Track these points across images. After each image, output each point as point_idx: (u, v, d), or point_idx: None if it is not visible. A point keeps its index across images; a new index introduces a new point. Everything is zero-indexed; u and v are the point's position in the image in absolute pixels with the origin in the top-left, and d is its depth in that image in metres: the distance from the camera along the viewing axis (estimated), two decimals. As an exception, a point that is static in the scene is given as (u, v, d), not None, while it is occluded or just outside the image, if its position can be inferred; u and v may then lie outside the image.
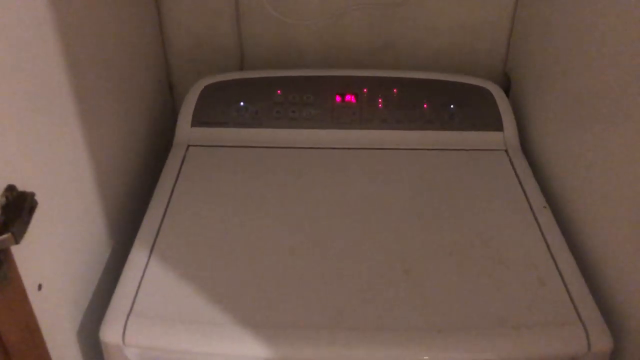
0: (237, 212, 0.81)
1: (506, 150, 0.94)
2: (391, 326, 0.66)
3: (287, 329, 0.66)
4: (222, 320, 0.66)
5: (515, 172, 0.90)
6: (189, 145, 0.94)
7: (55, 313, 0.65)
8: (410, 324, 0.66)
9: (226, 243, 0.76)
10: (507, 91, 1.09)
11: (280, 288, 0.70)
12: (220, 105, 0.97)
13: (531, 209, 0.82)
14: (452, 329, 0.66)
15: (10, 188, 0.54)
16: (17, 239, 0.52)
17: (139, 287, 0.69)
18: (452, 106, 0.97)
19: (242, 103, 0.97)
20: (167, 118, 1.11)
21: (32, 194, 0.56)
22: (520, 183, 0.87)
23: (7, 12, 0.55)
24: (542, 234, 0.78)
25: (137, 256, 0.74)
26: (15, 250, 0.54)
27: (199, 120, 0.96)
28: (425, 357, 0.64)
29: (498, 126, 0.96)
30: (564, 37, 0.87)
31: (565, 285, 0.71)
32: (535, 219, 0.81)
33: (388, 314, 0.67)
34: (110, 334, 0.65)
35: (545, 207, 0.83)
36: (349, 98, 0.98)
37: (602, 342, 0.65)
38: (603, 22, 0.76)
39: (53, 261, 0.65)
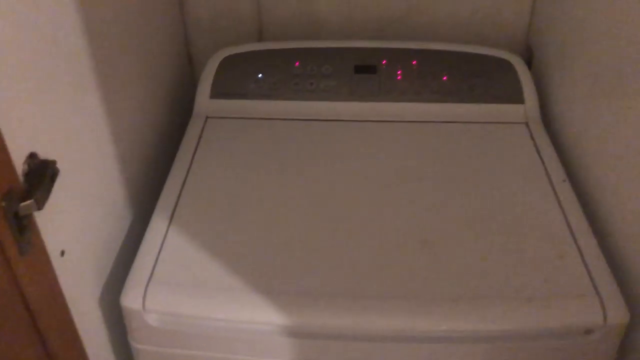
0: (255, 182, 0.82)
1: (527, 123, 0.93)
2: (408, 295, 0.66)
3: (304, 296, 0.66)
4: (240, 287, 0.67)
5: (536, 145, 0.89)
6: (207, 117, 0.95)
7: (78, 279, 0.67)
8: (427, 293, 0.67)
9: (244, 212, 0.77)
10: (529, 63, 1.07)
11: (298, 257, 0.71)
12: (239, 77, 0.97)
13: (550, 182, 0.82)
14: (468, 298, 0.66)
15: (32, 156, 0.55)
16: (39, 205, 0.53)
17: (159, 254, 0.71)
18: (472, 78, 0.96)
19: (260, 75, 0.97)
20: (186, 89, 1.11)
21: (54, 162, 0.57)
22: (540, 156, 0.86)
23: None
24: (561, 207, 0.78)
25: (157, 224, 0.75)
26: (38, 216, 0.55)
27: (217, 92, 0.96)
28: (443, 327, 0.65)
29: (519, 99, 0.95)
30: (587, 8, 0.85)
31: (583, 258, 0.71)
32: (555, 192, 0.80)
33: (405, 284, 0.68)
34: (131, 299, 0.67)
35: (564, 180, 0.82)
36: (368, 70, 0.98)
37: (618, 314, 0.65)
38: (630, -10, 0.74)
39: (75, 228, 0.66)
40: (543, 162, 0.85)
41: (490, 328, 0.65)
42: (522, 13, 1.08)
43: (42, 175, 0.55)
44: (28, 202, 0.52)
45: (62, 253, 0.62)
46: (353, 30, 1.11)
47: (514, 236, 0.74)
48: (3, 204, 0.49)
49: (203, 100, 0.97)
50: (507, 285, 0.67)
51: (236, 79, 0.97)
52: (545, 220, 0.76)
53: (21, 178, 0.53)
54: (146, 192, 0.88)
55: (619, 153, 0.75)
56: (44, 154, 0.57)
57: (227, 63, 0.99)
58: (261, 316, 0.65)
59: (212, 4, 1.09)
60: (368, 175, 0.83)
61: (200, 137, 0.90)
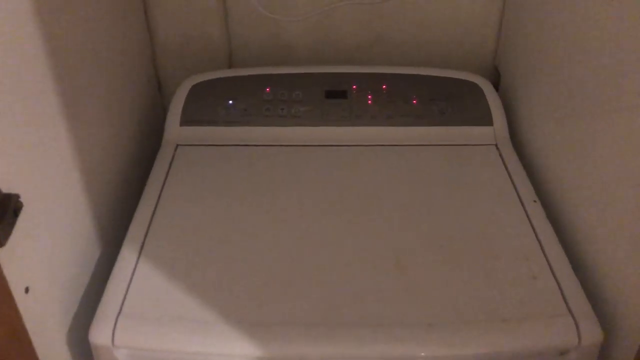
0: (227, 210, 0.81)
1: (496, 145, 0.94)
2: (384, 321, 0.66)
3: (278, 326, 0.65)
4: (212, 319, 0.66)
5: (506, 166, 0.90)
6: (177, 145, 0.94)
7: (43, 316, 0.65)
8: (403, 318, 0.66)
9: (216, 242, 0.76)
10: (496, 85, 1.09)
11: (271, 285, 0.70)
12: (209, 104, 0.97)
13: (522, 202, 0.83)
14: (443, 322, 0.66)
15: (-6, 190, 0.54)
16: (1, 242, 0.51)
17: (128, 287, 0.69)
18: (441, 101, 0.97)
19: (230, 101, 0.97)
20: (156, 117, 1.10)
21: (17, 196, 0.56)
22: (510, 177, 0.87)
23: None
24: (533, 227, 0.78)
25: (126, 256, 0.73)
26: (0, 252, 0.53)
27: (187, 119, 0.96)
28: (421, 353, 0.64)
29: (488, 121, 0.96)
30: (553, 30, 0.87)
31: (556, 279, 0.71)
32: (526, 212, 0.81)
33: (380, 309, 0.67)
34: (99, 335, 0.65)
35: (535, 201, 0.83)
36: (339, 95, 0.98)
37: (592, 334, 0.65)
38: (592, 14, 0.76)
39: (40, 263, 0.64)
40: (513, 183, 0.86)
41: (466, 352, 0.65)
42: (488, 37, 1.11)
43: (4, 209, 0.54)
44: (-11, 238, 0.50)
45: (27, 290, 0.60)
46: (323, 56, 1.12)
47: (487, 257, 0.74)
48: (-38, 241, 0.47)
49: (173, 127, 0.96)
50: (481, 307, 0.67)
51: (206, 105, 0.97)
52: (518, 240, 0.76)
53: (-18, 214, 0.51)
54: (115, 222, 0.86)
55: (587, 172, 0.76)
56: (6, 187, 0.55)
57: (197, 90, 0.98)
58: (234, 348, 0.64)
59: (182, 29, 1.09)
60: (340, 200, 0.83)
61: (170, 165, 0.89)
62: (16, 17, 0.60)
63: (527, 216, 0.80)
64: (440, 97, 0.98)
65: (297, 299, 0.68)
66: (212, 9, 1.06)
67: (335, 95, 0.98)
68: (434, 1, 1.07)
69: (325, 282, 0.70)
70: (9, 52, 0.58)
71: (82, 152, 0.75)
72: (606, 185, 0.72)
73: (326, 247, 0.75)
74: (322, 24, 1.08)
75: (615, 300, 0.69)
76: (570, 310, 0.67)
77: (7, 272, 0.55)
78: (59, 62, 0.69)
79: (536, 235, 0.77)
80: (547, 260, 0.74)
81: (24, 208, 0.57)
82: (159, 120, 1.03)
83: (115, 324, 0.65)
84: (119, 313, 0.66)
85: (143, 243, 0.75)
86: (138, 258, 0.73)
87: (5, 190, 0.55)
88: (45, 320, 0.65)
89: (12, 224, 0.54)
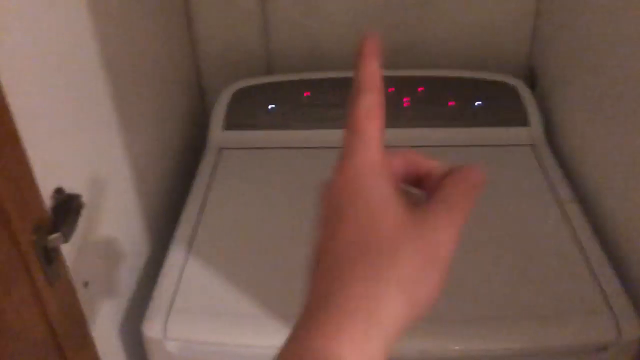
0: (269, 210, 0.84)
1: (532, 145, 0.95)
2: (422, 318, 0.67)
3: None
4: (258, 314, 0.68)
5: (542, 167, 0.90)
6: (221, 148, 0.97)
7: (100, 309, 0.69)
8: (441, 315, 0.68)
9: (260, 241, 0.79)
10: (532, 86, 1.09)
11: (313, 283, 0.72)
12: (250, 109, 1.00)
13: (559, 203, 0.83)
14: (482, 318, 0.67)
15: (59, 190, 0.58)
16: (66, 238, 0.55)
17: (178, 283, 0.72)
18: (477, 103, 0.98)
19: (271, 106, 1.00)
20: (199, 122, 1.14)
21: (79, 196, 0.60)
22: (546, 178, 0.88)
23: (54, 26, 0.59)
24: (572, 227, 0.79)
25: (176, 254, 0.77)
26: (64, 248, 0.57)
27: (230, 124, 0.99)
28: (456, 347, 0.66)
29: (524, 122, 0.97)
30: (589, 30, 0.88)
31: (595, 276, 0.72)
32: (563, 212, 0.81)
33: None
34: (152, 328, 0.68)
35: (572, 201, 0.83)
36: (375, 98, 1.00)
37: (632, 330, 0.66)
38: (629, 13, 0.76)
39: (98, 259, 0.68)
40: (550, 183, 0.87)
41: (504, 347, 0.66)
42: (522, 39, 1.11)
43: (68, 209, 0.58)
44: (55, 235, 0.54)
45: (86, 284, 0.64)
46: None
47: (525, 256, 0.75)
48: (33, 237, 0.51)
49: (216, 132, 0.99)
50: (520, 304, 0.69)
51: (248, 110, 1.00)
52: (555, 239, 0.77)
53: (49, 212, 0.55)
54: (164, 223, 0.90)
55: (622, 172, 0.77)
56: (69, 188, 0.59)
57: (239, 95, 1.02)
58: (280, 341, 0.67)
59: (223, 39, 1.13)
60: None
61: (214, 168, 0.93)
62: (78, 40, 0.65)
63: (565, 215, 0.81)
64: (476, 99, 0.99)
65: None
66: (251, 19, 1.10)
67: (372, 99, 1.00)
68: (467, 5, 1.08)
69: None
70: (70, 66, 0.63)
71: (133, 156, 0.79)
72: (644, 183, 0.72)
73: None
74: (357, 29, 1.11)
75: (655, 297, 0.69)
76: (609, 306, 0.68)
77: (70, 267, 0.59)
78: (114, 75, 0.73)
79: (574, 235, 0.78)
80: (586, 258, 0.74)
81: (84, 207, 0.61)
82: (202, 126, 1.07)
83: (167, 317, 0.69)
84: (171, 307, 0.70)
85: (191, 242, 0.79)
86: (187, 256, 0.77)
87: (68, 191, 0.59)
88: (101, 313, 0.69)
89: (75, 222, 0.58)
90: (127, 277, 0.78)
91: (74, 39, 0.64)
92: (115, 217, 0.74)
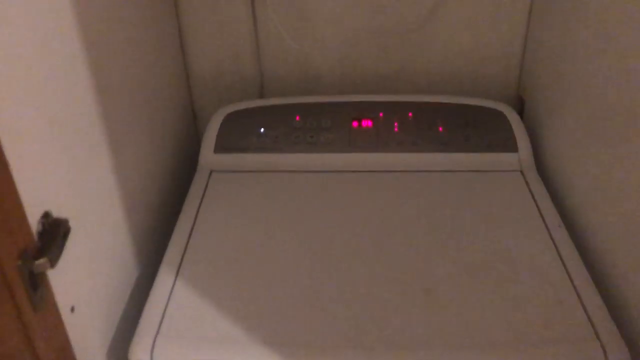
0: (259, 234, 0.84)
1: (521, 171, 0.96)
2: (413, 345, 0.67)
3: (311, 347, 0.67)
4: (246, 339, 0.68)
5: (530, 191, 0.91)
6: (211, 171, 0.98)
7: (87, 334, 0.68)
8: (431, 342, 0.68)
9: (249, 265, 0.79)
10: (521, 112, 1.11)
11: (303, 308, 0.72)
12: (242, 132, 1.01)
13: (547, 228, 0.84)
14: (471, 346, 0.67)
15: (46, 215, 0.58)
16: (52, 264, 0.55)
17: (165, 308, 0.72)
18: (466, 128, 1.00)
19: (262, 129, 1.01)
20: (191, 145, 1.15)
21: (66, 220, 0.59)
22: (535, 202, 0.89)
23: (42, 46, 0.59)
24: (558, 252, 0.79)
25: (164, 278, 0.77)
26: (50, 273, 0.57)
27: (221, 147, 1.00)
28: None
29: (512, 147, 0.98)
30: (577, 58, 0.89)
31: (582, 303, 0.72)
32: (551, 237, 0.82)
33: (410, 333, 0.69)
34: (139, 353, 0.68)
35: (560, 225, 0.84)
36: (366, 123, 1.01)
37: (620, 358, 0.65)
38: (615, 41, 0.77)
39: (85, 284, 0.68)
40: (538, 208, 0.88)
41: (493, 375, 0.66)
42: (511, 66, 1.13)
43: (55, 233, 0.57)
44: (42, 260, 0.54)
45: (72, 309, 0.63)
46: (350, 85, 1.15)
47: (513, 283, 0.75)
48: (19, 262, 0.51)
49: (207, 154, 1.00)
50: (508, 332, 0.69)
51: (239, 134, 1.01)
52: (543, 266, 0.78)
53: (35, 237, 0.55)
54: (153, 245, 0.90)
55: (613, 198, 0.77)
56: (57, 212, 0.59)
57: (230, 119, 1.02)
58: (267, 367, 0.66)
59: (215, 63, 1.14)
60: (368, 225, 0.85)
61: (205, 190, 0.93)
62: (68, 62, 0.65)
63: (553, 241, 0.81)
64: (465, 125, 1.00)
65: (329, 322, 0.70)
66: (244, 43, 1.11)
67: (362, 123, 1.01)
68: (457, 31, 1.10)
69: (356, 306, 0.72)
70: (58, 86, 0.63)
71: (123, 179, 0.79)
72: (632, 211, 0.72)
73: (356, 272, 0.77)
74: (349, 54, 1.12)
75: (642, 325, 0.69)
76: (597, 334, 0.68)
77: (55, 292, 0.58)
78: (104, 96, 0.73)
79: (562, 260, 0.78)
80: (573, 285, 0.74)
81: (71, 232, 0.61)
82: (194, 148, 1.07)
83: (154, 343, 0.68)
84: (157, 332, 0.69)
85: (180, 265, 0.78)
86: (175, 280, 0.76)
87: (55, 215, 0.59)
88: (88, 338, 0.69)
89: (61, 247, 0.58)
90: (116, 300, 0.77)
91: (63, 61, 0.64)
92: (103, 240, 0.74)
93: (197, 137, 1.19)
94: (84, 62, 0.68)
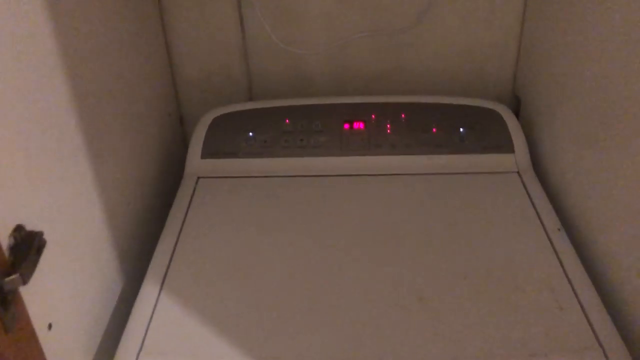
0: (248, 243, 0.81)
1: (518, 172, 0.93)
2: (408, 357, 0.65)
3: (299, 362, 0.65)
4: (233, 356, 0.65)
5: (528, 194, 0.89)
6: (199, 177, 0.95)
7: (66, 352, 0.65)
8: (427, 353, 0.65)
9: (237, 276, 0.76)
10: (517, 112, 1.08)
11: (293, 321, 0.69)
12: (230, 136, 0.98)
13: (545, 231, 0.81)
14: (470, 357, 0.64)
15: (19, 228, 0.55)
16: (25, 280, 0.52)
17: (149, 324, 0.69)
18: (461, 129, 0.97)
19: (251, 133, 0.98)
20: (178, 150, 1.12)
21: (41, 233, 0.56)
22: (533, 205, 0.86)
23: (15, 49, 0.56)
24: (558, 256, 0.77)
25: (148, 292, 0.74)
26: (24, 290, 0.54)
27: (208, 152, 0.97)
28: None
29: (509, 148, 0.95)
30: (572, 57, 0.87)
31: (583, 309, 0.69)
32: (550, 241, 0.79)
33: (405, 344, 0.66)
34: (121, 371, 0.65)
35: (559, 229, 0.81)
36: (357, 125, 0.98)
37: (624, 367, 0.63)
38: (611, 40, 0.75)
39: (63, 300, 0.65)
40: (536, 211, 0.85)
41: (492, 387, 0.63)
42: (506, 65, 1.11)
43: (28, 247, 0.54)
44: (13, 276, 0.51)
45: (50, 326, 0.60)
46: (341, 86, 1.13)
47: (512, 289, 0.72)
48: (-13, 280, 0.48)
49: (194, 160, 0.97)
50: (508, 341, 0.66)
51: (227, 138, 0.98)
52: (543, 271, 0.75)
53: (6, 252, 0.52)
54: (137, 256, 0.87)
55: (612, 199, 0.75)
56: (30, 225, 0.56)
57: (218, 123, 0.99)
58: (256, 384, 0.63)
59: (203, 65, 1.11)
60: (361, 231, 0.82)
61: (191, 198, 0.90)
62: (44, 67, 0.62)
63: (552, 245, 0.79)
64: (460, 125, 0.97)
65: (321, 334, 0.67)
66: (232, 44, 1.08)
67: (354, 125, 0.98)
68: (450, 31, 1.07)
69: (348, 317, 0.69)
70: (33, 94, 0.60)
71: (105, 188, 0.76)
72: (632, 212, 0.70)
73: (348, 279, 0.75)
74: (340, 55, 1.10)
75: (647, 332, 0.67)
76: (599, 342, 0.65)
77: (30, 310, 0.55)
78: (83, 99, 0.70)
79: (561, 265, 0.76)
80: (574, 291, 0.72)
81: (46, 245, 0.58)
82: (180, 154, 1.04)
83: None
84: (140, 350, 0.66)
85: (164, 278, 0.75)
86: (159, 293, 0.73)
87: (29, 228, 0.56)
88: (68, 356, 0.65)
89: (35, 262, 0.55)
90: (97, 316, 0.74)
91: (36, 66, 0.61)
92: (83, 253, 0.71)
93: (184, 142, 1.16)
94: (60, 65, 0.65)
